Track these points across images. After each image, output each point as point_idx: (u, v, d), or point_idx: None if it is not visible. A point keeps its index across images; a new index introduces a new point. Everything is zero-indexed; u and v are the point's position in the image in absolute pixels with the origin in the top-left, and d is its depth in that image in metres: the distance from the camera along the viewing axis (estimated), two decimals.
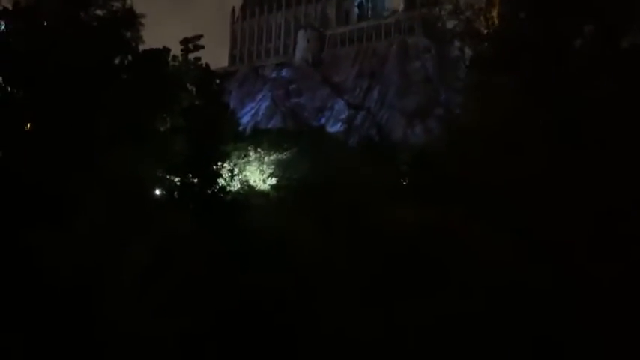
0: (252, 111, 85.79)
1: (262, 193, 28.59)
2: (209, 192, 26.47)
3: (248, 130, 46.67)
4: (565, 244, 3.63)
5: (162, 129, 24.38)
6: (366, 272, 13.64)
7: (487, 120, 3.93)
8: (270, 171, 30.27)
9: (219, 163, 27.43)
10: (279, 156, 29.42)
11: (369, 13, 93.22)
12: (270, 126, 68.65)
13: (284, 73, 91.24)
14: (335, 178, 21.72)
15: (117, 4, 22.13)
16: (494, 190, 3.75)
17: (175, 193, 24.60)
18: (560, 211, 3.54)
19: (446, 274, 9.86)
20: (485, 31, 3.86)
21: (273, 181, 30.00)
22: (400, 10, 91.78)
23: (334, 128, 73.74)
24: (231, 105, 45.35)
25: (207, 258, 17.19)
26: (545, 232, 3.69)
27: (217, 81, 30.66)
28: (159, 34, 32.23)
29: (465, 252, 6.41)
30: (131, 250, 14.56)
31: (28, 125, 19.23)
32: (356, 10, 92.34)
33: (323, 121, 77.91)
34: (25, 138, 17.96)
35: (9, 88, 19.41)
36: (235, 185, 27.84)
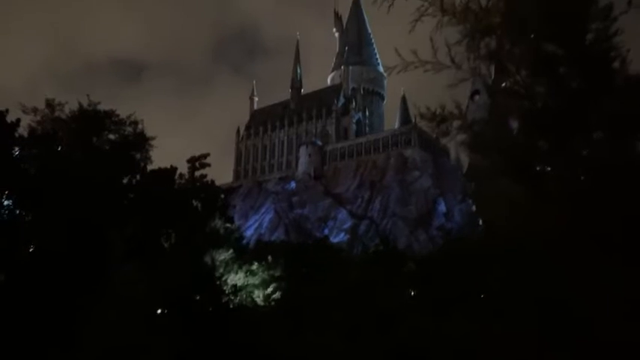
0: (256, 224, 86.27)
1: (267, 308, 27.64)
2: (211, 309, 25.68)
3: (252, 243, 46.47)
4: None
5: (166, 245, 24.28)
6: None
7: (520, 232, 3.80)
8: (276, 284, 29.57)
9: (223, 279, 26.96)
10: (285, 269, 28.93)
11: (366, 129, 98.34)
12: (273, 238, 68.48)
13: (287, 186, 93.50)
14: (342, 292, 21.11)
15: (128, 129, 23.28)
16: (544, 304, 3.48)
17: (178, 310, 23.81)
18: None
19: None
20: (494, 143, 3.93)
21: (278, 295, 29.16)
22: (396, 125, 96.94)
23: (337, 238, 73.46)
24: (235, 218, 45.78)
25: None
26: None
27: (222, 196, 31.22)
28: (167, 143, 33.74)
29: None
30: None
31: (31, 247, 19.15)
32: (354, 126, 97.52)
33: (326, 231, 77.89)
34: (30, 259, 17.84)
35: (17, 211, 19.65)
36: (239, 301, 27.05)
